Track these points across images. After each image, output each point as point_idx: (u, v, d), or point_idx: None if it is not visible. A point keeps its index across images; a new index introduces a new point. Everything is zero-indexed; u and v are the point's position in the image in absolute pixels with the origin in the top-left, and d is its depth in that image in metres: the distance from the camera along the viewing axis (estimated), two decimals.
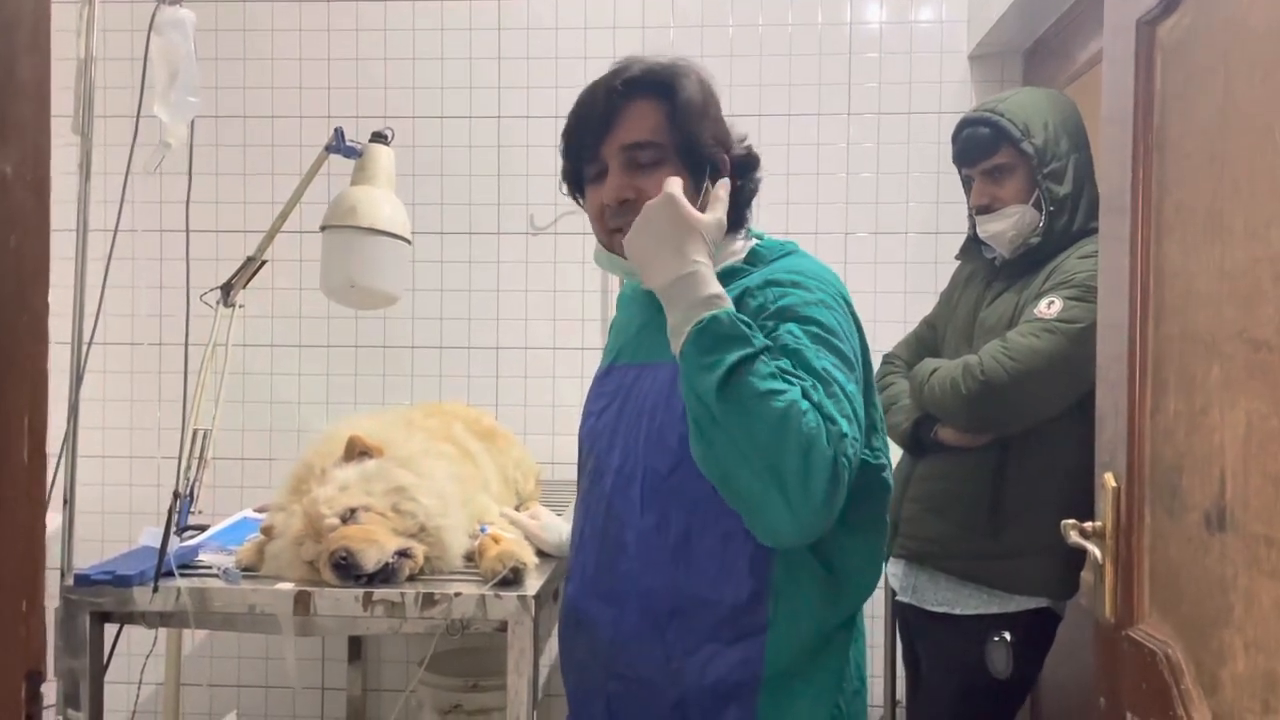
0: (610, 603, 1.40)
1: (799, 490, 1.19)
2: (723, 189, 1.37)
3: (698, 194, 1.37)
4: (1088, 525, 1.37)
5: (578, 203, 1.49)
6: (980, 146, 1.97)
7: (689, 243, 1.27)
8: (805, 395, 1.21)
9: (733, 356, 1.21)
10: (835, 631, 1.38)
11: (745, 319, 1.26)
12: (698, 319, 1.24)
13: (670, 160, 1.37)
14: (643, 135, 1.37)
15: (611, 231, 1.40)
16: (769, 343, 1.26)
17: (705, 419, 1.22)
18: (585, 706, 1.46)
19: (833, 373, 1.27)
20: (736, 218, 1.45)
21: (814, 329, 1.30)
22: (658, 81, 1.39)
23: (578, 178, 1.46)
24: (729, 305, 1.26)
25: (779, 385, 1.21)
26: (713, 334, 1.23)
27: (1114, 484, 1.34)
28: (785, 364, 1.25)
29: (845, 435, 1.22)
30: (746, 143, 1.47)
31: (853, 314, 1.39)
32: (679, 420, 1.33)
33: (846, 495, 1.23)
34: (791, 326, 1.30)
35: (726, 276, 1.40)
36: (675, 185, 1.30)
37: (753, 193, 1.48)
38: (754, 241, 1.47)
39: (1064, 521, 1.38)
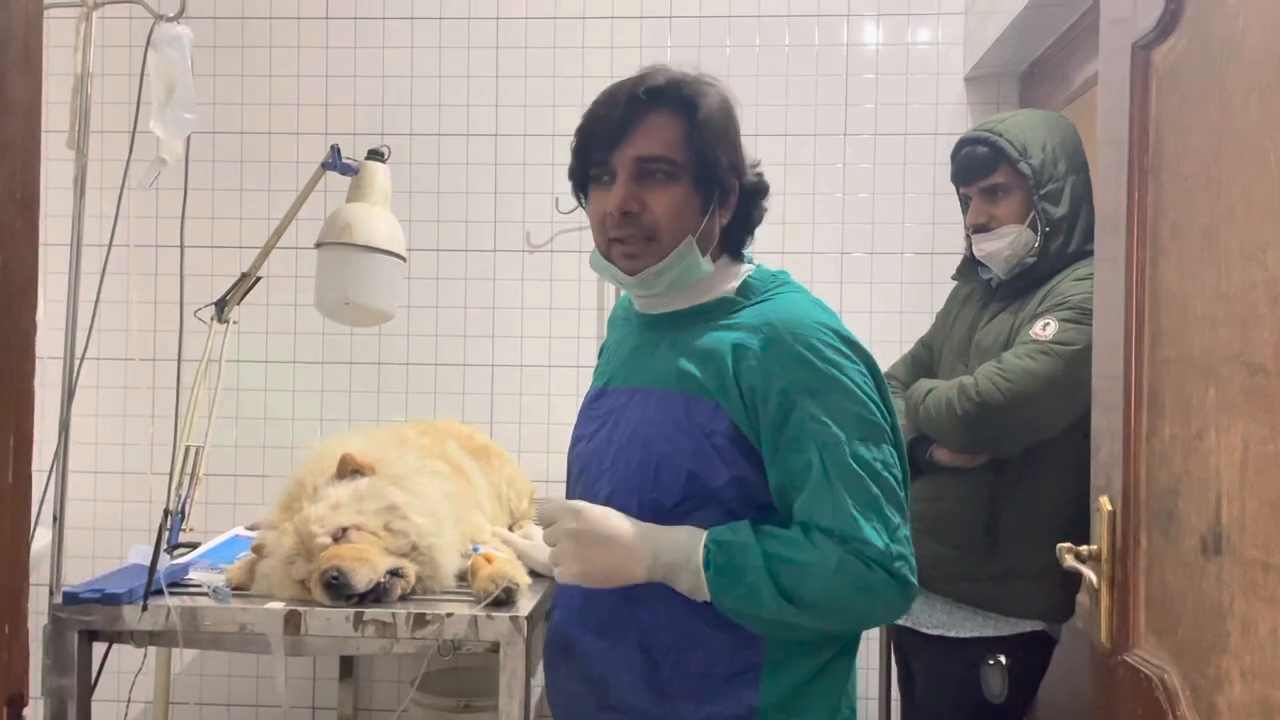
0: (601, 635, 1.38)
1: (871, 615, 1.34)
2: None
3: (703, 215, 1.36)
4: (1083, 548, 1.36)
5: (579, 202, 1.44)
6: (978, 165, 1.97)
7: (624, 545, 1.31)
8: (836, 534, 1.27)
9: (756, 578, 1.27)
10: (831, 662, 1.37)
11: (722, 538, 1.29)
12: (702, 568, 1.28)
13: (682, 179, 1.33)
14: (658, 150, 1.33)
15: (611, 240, 1.37)
16: (760, 541, 1.29)
17: (775, 624, 1.30)
18: None
19: (863, 458, 1.29)
20: (738, 244, 1.44)
21: (833, 397, 1.30)
22: (682, 96, 1.34)
23: (584, 177, 1.40)
24: (697, 544, 1.29)
25: (803, 557, 1.27)
26: (722, 569, 1.28)
27: (1109, 507, 1.33)
28: (808, 493, 1.29)
29: (887, 545, 1.27)
30: (759, 169, 1.43)
31: (856, 350, 1.35)
32: (688, 456, 1.32)
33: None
34: (812, 409, 1.28)
35: (717, 308, 1.39)
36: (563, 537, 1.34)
37: (757, 221, 1.45)
38: (748, 268, 1.45)
39: (1059, 545, 1.38)
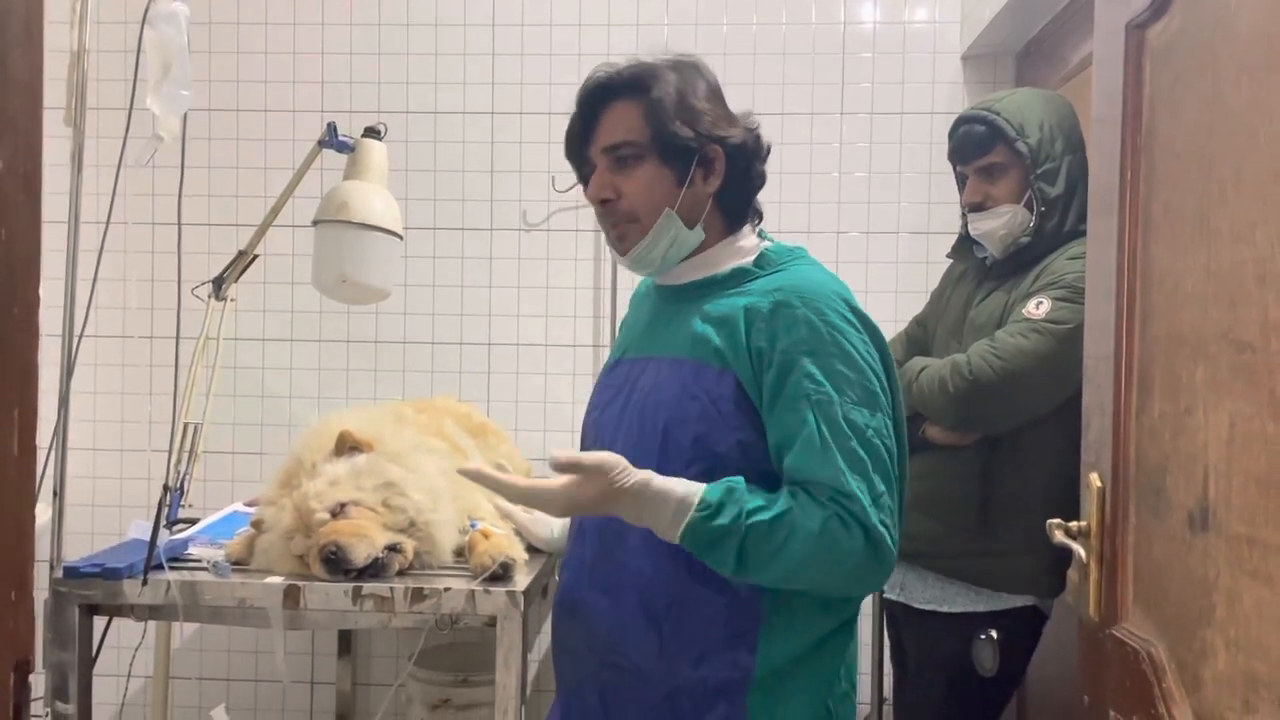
0: (606, 592, 1.41)
1: (843, 580, 1.32)
2: None
3: (681, 186, 1.40)
4: (1073, 524, 1.38)
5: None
6: (975, 144, 1.98)
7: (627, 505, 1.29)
8: (815, 491, 1.30)
9: (732, 542, 1.28)
10: (830, 634, 1.39)
11: (713, 500, 1.29)
12: (678, 531, 1.29)
13: (649, 157, 1.41)
14: (618, 136, 1.42)
15: (608, 231, 1.46)
16: (749, 502, 1.29)
17: (746, 575, 1.31)
18: (577, 694, 1.47)
19: (855, 422, 1.31)
20: (741, 209, 1.48)
21: (833, 361, 1.32)
22: (629, 83, 1.42)
23: (581, 176, 1.50)
24: (692, 498, 1.28)
25: (780, 507, 1.29)
26: (702, 532, 1.28)
27: (1099, 484, 1.35)
28: (794, 451, 1.31)
29: (864, 510, 1.28)
30: (755, 128, 1.47)
31: (864, 322, 1.39)
32: (694, 421, 1.35)
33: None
34: (810, 368, 1.31)
35: (734, 278, 1.43)
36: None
37: (757, 183, 1.49)
38: (766, 244, 1.49)
39: (1049, 521, 1.39)
